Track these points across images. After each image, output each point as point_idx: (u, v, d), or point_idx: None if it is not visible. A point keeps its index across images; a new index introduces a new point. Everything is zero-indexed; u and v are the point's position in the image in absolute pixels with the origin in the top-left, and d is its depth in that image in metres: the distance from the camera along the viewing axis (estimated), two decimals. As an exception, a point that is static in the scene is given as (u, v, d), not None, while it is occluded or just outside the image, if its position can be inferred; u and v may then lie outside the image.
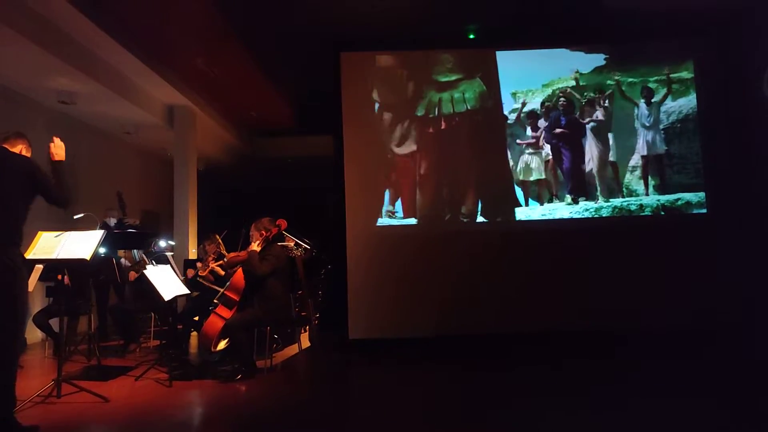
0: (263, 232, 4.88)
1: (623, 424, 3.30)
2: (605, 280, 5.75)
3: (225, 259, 5.51)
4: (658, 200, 6.04)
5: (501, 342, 5.61)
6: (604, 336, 5.46)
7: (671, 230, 5.94)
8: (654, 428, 3.24)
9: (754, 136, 5.87)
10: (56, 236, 3.80)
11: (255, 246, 4.80)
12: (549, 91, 6.19)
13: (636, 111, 6.14)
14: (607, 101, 6.15)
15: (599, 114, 6.13)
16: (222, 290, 4.97)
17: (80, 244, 3.77)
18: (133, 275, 5.96)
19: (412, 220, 6.07)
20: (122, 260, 6.25)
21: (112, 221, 6.76)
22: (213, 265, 5.71)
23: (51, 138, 3.69)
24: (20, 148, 3.49)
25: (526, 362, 5.06)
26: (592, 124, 6.13)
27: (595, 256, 5.88)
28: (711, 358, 4.89)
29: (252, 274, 4.69)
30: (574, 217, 6.02)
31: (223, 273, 5.40)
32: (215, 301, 5.03)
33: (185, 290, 4.96)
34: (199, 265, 6.07)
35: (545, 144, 6.14)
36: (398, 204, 6.10)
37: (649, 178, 6.07)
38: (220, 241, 6.09)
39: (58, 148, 3.58)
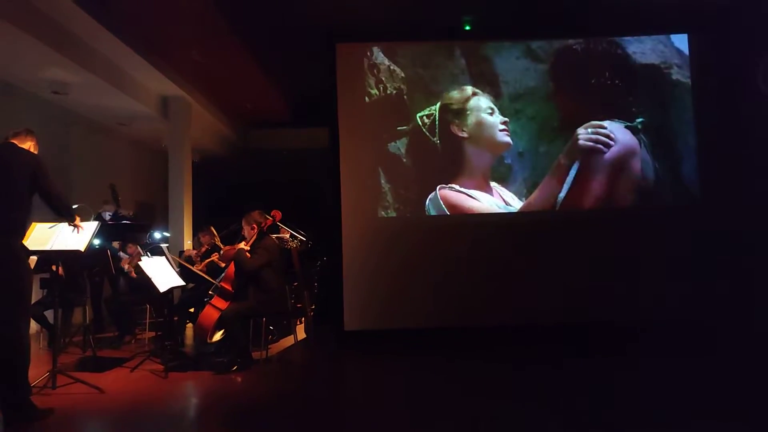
0: (254, 225, 4.87)
1: (621, 421, 3.33)
2: (603, 273, 5.76)
3: (221, 252, 5.51)
4: (655, 195, 6.06)
5: (496, 334, 5.62)
6: (603, 329, 5.46)
7: (668, 225, 5.95)
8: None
9: (751, 132, 5.88)
10: (50, 227, 3.79)
11: (243, 244, 4.79)
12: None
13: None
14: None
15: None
16: (217, 282, 4.97)
17: (74, 236, 3.76)
18: (129, 267, 5.96)
19: (408, 213, 6.07)
20: (119, 253, 6.24)
21: (107, 215, 6.73)
22: (214, 257, 5.71)
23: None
24: (29, 146, 3.63)
25: (522, 354, 5.08)
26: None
27: (594, 248, 5.88)
28: (708, 356, 4.92)
29: (243, 270, 4.70)
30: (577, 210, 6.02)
31: (223, 264, 5.39)
32: (210, 292, 5.03)
33: (180, 282, 4.96)
34: (193, 252, 6.07)
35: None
36: (395, 197, 6.09)
37: (646, 173, 6.08)
38: (215, 232, 6.08)
39: (78, 222, 3.77)
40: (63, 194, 3.63)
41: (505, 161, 6.10)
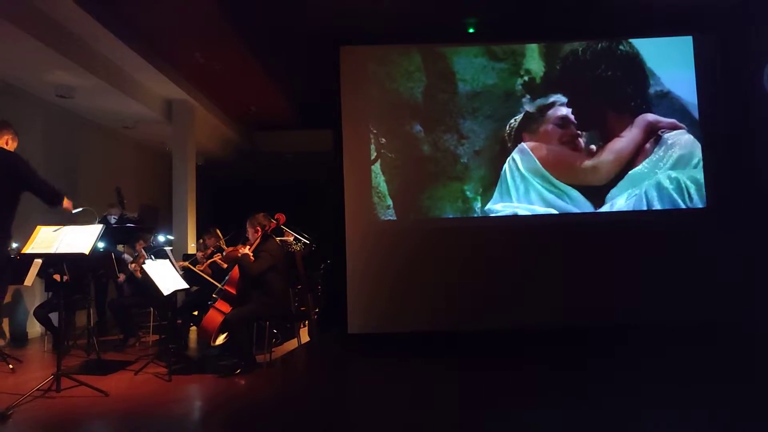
0: (258, 228, 4.86)
1: (621, 422, 3.31)
2: (606, 276, 5.76)
3: (224, 253, 5.51)
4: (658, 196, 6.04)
5: (500, 337, 5.61)
6: (604, 333, 5.45)
7: (671, 226, 5.93)
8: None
9: (757, 134, 5.86)
10: (55, 230, 3.79)
11: (246, 249, 4.79)
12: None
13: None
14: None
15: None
16: (221, 285, 4.97)
17: (79, 239, 3.76)
18: (134, 267, 5.96)
19: (412, 216, 6.06)
20: (124, 255, 6.24)
21: (113, 218, 6.75)
22: (216, 257, 5.71)
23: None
24: (6, 139, 3.50)
25: (524, 358, 5.06)
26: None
27: (597, 251, 5.87)
28: (709, 357, 4.90)
29: (247, 274, 4.70)
30: (577, 212, 6.00)
31: (225, 265, 5.39)
32: (214, 295, 5.03)
33: (184, 285, 4.96)
34: (199, 254, 6.06)
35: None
36: (399, 200, 6.08)
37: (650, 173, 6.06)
38: (219, 235, 6.09)
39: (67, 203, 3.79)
40: (46, 182, 3.55)
41: (462, 160, 6.08)
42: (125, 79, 6.84)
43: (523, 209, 6.01)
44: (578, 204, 6.00)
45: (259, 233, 4.86)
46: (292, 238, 6.18)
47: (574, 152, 6.06)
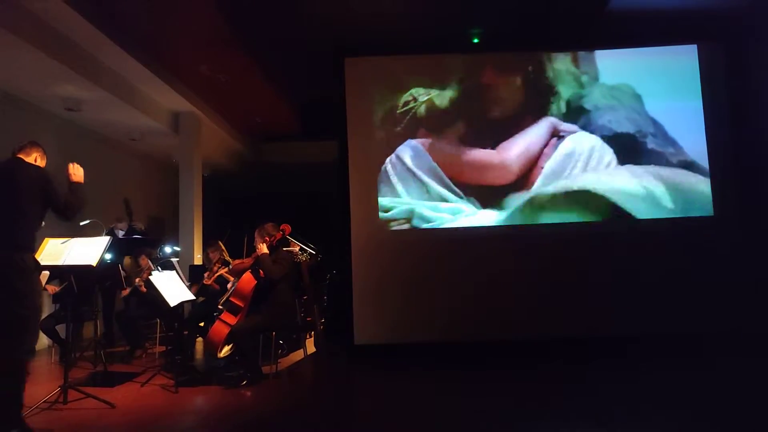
0: (267, 238, 4.87)
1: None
2: (614, 286, 5.72)
3: (230, 266, 5.52)
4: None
5: (507, 349, 5.57)
6: (610, 342, 5.41)
7: (677, 233, 5.90)
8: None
9: (763, 142, 5.83)
10: (62, 242, 3.83)
11: (264, 248, 4.79)
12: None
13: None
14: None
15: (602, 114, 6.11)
16: (227, 296, 4.97)
17: (86, 251, 3.79)
18: (139, 281, 5.97)
19: (417, 225, 6.05)
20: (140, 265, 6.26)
21: (120, 233, 6.77)
22: (222, 270, 5.71)
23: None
24: (35, 157, 3.61)
25: (533, 369, 5.03)
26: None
27: (605, 260, 5.84)
28: (713, 364, 4.86)
29: (267, 276, 4.69)
30: (582, 221, 5.97)
31: (232, 278, 5.39)
32: (220, 306, 5.04)
33: (190, 296, 4.97)
34: (206, 275, 6.08)
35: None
36: (404, 208, 6.08)
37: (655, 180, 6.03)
38: (223, 247, 6.10)
39: (76, 170, 3.73)
40: (70, 201, 3.59)
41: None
42: (132, 92, 6.91)
43: (420, 206, 5.98)
44: (477, 206, 5.96)
45: (267, 242, 4.86)
46: (298, 249, 6.19)
47: (474, 149, 6.02)
